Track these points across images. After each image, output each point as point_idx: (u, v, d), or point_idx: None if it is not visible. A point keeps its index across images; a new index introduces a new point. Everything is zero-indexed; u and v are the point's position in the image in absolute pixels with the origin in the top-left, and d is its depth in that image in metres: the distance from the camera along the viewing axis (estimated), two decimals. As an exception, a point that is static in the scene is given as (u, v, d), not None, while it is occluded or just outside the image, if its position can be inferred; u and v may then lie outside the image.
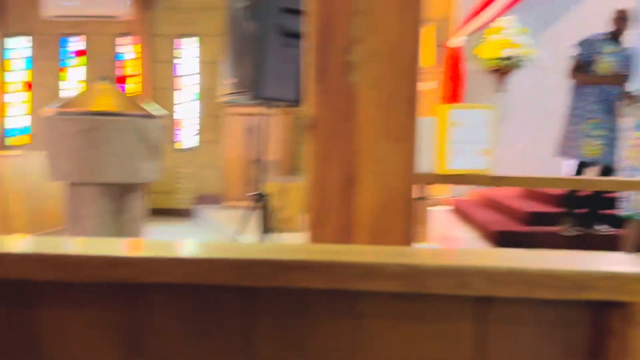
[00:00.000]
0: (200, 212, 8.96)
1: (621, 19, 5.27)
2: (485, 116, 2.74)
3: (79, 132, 3.17)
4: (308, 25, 1.46)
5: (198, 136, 9.42)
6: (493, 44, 6.75)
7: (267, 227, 4.16)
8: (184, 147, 9.40)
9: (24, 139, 9.57)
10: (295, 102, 3.88)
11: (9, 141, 9.54)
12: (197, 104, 9.42)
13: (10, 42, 9.41)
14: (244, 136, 8.86)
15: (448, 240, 5.22)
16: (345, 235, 1.51)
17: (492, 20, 6.43)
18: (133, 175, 3.34)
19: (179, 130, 9.39)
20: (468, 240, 5.16)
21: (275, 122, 8.16)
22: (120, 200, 3.45)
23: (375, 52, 1.43)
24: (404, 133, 1.47)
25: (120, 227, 3.41)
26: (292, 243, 0.68)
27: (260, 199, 4.09)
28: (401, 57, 1.43)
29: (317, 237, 1.53)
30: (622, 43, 5.38)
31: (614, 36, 5.34)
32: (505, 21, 6.74)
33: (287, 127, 8.90)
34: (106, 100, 3.29)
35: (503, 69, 6.87)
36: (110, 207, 3.42)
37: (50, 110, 3.25)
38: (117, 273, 0.56)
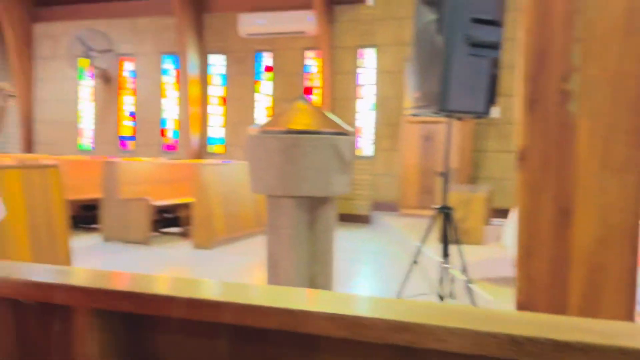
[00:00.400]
0: (377, 219, 9.15)
1: None
2: None
3: (279, 149, 3.42)
4: (522, 54, 1.44)
5: (375, 144, 9.63)
6: None
7: (450, 239, 4.13)
8: (362, 154, 9.67)
9: (221, 148, 10.60)
10: (483, 114, 3.80)
11: (210, 149, 10.64)
12: (373, 113, 9.63)
13: (211, 59, 10.49)
14: (421, 144, 8.86)
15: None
16: (558, 269, 1.46)
17: None
18: (327, 188, 3.51)
19: (359, 138, 9.69)
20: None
21: (452, 130, 8.03)
22: (314, 211, 3.66)
23: (595, 81, 1.37)
24: (628, 164, 1.39)
25: (314, 237, 3.62)
26: (573, 318, 0.67)
27: (444, 211, 4.07)
28: (625, 86, 1.35)
29: (526, 270, 1.50)
30: None
31: None
32: None
33: (466, 134, 8.70)
34: (304, 119, 3.51)
35: None
36: (305, 218, 3.63)
37: (254, 129, 3.57)
38: (400, 337, 0.62)
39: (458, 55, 3.67)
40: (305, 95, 3.70)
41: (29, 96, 11.53)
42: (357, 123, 9.70)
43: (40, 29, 11.46)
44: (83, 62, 10.98)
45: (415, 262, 4.05)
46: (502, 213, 7.78)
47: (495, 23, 3.75)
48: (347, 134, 3.74)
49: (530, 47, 1.42)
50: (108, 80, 11.01)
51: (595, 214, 1.43)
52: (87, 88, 11.34)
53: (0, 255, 4.40)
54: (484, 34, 3.69)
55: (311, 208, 3.60)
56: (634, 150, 1.40)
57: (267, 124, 3.62)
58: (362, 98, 9.70)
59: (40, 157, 9.17)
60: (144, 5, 10.57)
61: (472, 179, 8.74)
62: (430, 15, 3.84)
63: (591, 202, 1.43)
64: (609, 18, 1.41)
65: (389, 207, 9.39)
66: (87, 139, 11.43)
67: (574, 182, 1.44)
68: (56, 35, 11.34)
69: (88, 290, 0.79)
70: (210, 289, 0.81)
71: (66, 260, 5.00)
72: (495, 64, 3.79)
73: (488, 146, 8.89)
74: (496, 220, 7.72)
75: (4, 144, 11.61)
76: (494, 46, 3.76)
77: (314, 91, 9.93)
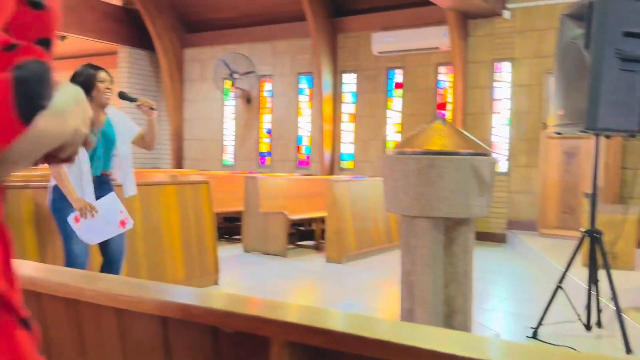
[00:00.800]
0: (513, 238, 8.78)
1: None
2: None
3: (416, 170, 3.45)
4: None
5: (510, 160, 9.27)
6: None
7: (598, 264, 3.88)
8: (497, 170, 9.36)
9: (351, 164, 10.82)
10: (638, 132, 3.55)
11: (342, 165, 10.90)
12: (507, 128, 9.29)
13: (344, 78, 10.78)
14: (562, 160, 8.38)
15: None
16: None
17: None
18: (464, 210, 3.48)
19: (495, 155, 9.39)
20: None
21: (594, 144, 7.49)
22: (451, 232, 3.63)
23: None
24: None
25: (451, 258, 3.60)
26: None
27: (591, 234, 3.84)
28: None
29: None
30: None
31: None
32: None
33: (613, 150, 8.09)
34: (441, 139, 3.52)
35: None
36: (441, 239, 3.62)
37: (390, 150, 3.63)
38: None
39: (608, 71, 3.47)
40: (440, 113, 3.70)
41: (180, 115, 12.60)
42: (492, 138, 9.41)
43: (190, 54, 12.51)
44: (227, 84, 11.80)
45: (559, 287, 3.86)
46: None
47: (651, 35, 3.50)
48: (486, 154, 3.67)
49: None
50: (249, 100, 11.72)
51: None
52: (230, 108, 12.16)
53: (157, 265, 4.87)
54: (637, 47, 3.46)
55: (448, 229, 3.58)
56: None
57: (403, 144, 3.67)
58: (497, 113, 9.40)
59: (189, 173, 9.97)
60: (282, 28, 11.14)
61: (621, 199, 8.09)
62: (576, 30, 3.68)
63: None
64: None
65: (527, 226, 8.97)
66: (229, 155, 12.23)
67: None
68: (204, 59, 12.30)
69: (284, 323, 0.88)
70: (395, 331, 0.87)
71: (214, 270, 5.40)
72: (651, 78, 3.52)
73: (639, 163, 8.19)
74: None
75: (156, 160, 12.78)
76: (650, 60, 3.50)
77: (447, 107, 9.81)
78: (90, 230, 3.36)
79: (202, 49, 12.32)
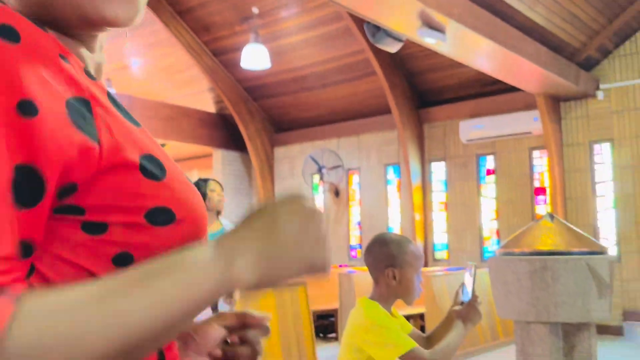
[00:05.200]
0: (632, 331, 8.01)
1: None
2: None
3: (528, 273, 3.28)
4: None
5: (619, 246, 8.65)
6: None
7: None
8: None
9: (445, 254, 10.51)
10: None
11: (437, 256, 10.62)
12: (613, 212, 8.74)
13: (432, 167, 10.73)
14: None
15: None
16: None
17: None
18: (584, 315, 3.24)
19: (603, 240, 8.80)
20: None
21: None
22: (571, 338, 3.38)
23: None
24: None
25: (573, 367, 3.31)
26: None
27: None
28: None
29: None
30: None
31: None
32: None
33: None
34: (551, 238, 3.34)
35: None
36: (560, 345, 3.36)
37: (498, 250, 3.49)
38: None
39: None
40: (552, 215, 3.55)
41: (271, 211, 12.91)
42: (597, 223, 8.87)
43: (280, 152, 13.01)
44: (316, 178, 12.08)
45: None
46: None
47: None
48: (602, 252, 3.45)
49: None
50: (337, 194, 11.88)
51: None
52: (320, 202, 12.35)
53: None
54: None
55: (567, 335, 3.32)
56: None
57: (511, 244, 3.51)
58: (600, 196, 8.91)
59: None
60: (368, 122, 11.39)
61: None
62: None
63: None
64: None
65: (646, 317, 8.19)
66: (319, 248, 12.27)
67: None
68: (293, 157, 12.73)
69: None
70: None
71: (314, 375, 5.27)
72: None
73: None
74: None
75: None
76: None
77: (545, 192, 9.44)
78: None
79: (291, 146, 12.78)
